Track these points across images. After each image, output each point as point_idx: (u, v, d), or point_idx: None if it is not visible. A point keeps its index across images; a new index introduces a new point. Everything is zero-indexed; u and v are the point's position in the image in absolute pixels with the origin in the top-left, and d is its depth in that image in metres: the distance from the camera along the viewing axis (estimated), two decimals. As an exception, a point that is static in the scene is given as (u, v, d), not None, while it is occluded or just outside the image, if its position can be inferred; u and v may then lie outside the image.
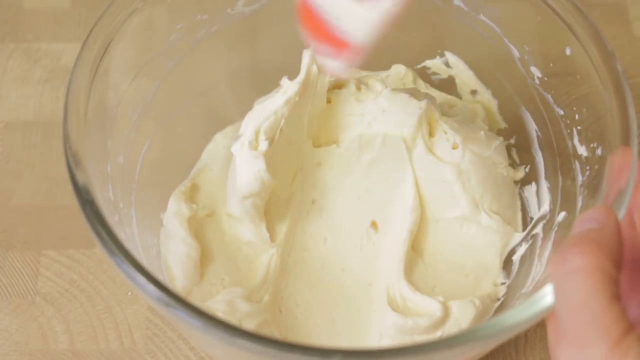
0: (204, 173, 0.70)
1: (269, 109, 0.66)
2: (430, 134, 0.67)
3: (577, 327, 0.43)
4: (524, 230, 0.68)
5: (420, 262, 0.66)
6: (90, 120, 0.56)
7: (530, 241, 0.66)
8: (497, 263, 0.67)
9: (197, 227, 0.66)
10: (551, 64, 0.64)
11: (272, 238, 0.66)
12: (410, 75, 0.73)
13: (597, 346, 0.42)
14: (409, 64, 0.73)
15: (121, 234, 0.52)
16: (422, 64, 0.73)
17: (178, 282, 0.63)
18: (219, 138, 0.72)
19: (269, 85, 0.73)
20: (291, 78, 0.73)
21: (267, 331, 0.60)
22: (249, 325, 0.60)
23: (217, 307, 0.61)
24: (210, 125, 0.72)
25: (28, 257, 0.71)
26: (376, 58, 0.73)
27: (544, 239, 0.64)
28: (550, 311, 0.49)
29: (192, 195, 0.68)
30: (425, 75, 0.73)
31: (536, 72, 0.65)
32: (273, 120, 0.65)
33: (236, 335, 0.47)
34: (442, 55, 0.72)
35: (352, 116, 0.68)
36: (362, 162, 0.68)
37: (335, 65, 0.57)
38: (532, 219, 0.67)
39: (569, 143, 0.62)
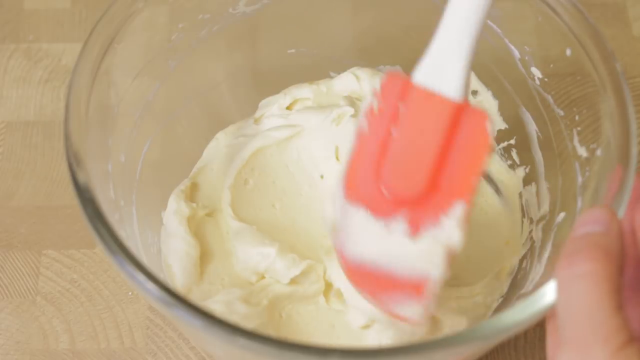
0: (204, 172, 0.70)
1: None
2: None
3: (580, 333, 0.43)
4: (523, 231, 0.68)
5: None
6: (91, 120, 0.56)
7: (530, 242, 0.66)
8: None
9: (197, 226, 0.66)
10: (551, 65, 0.64)
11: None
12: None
13: (597, 353, 0.42)
14: (409, 64, 0.72)
15: (122, 233, 0.52)
16: (423, 65, 0.73)
17: (178, 280, 0.63)
18: (221, 136, 0.72)
19: (270, 86, 0.73)
20: (291, 80, 0.73)
21: (264, 334, 0.61)
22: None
23: (215, 307, 0.61)
24: (211, 125, 0.72)
25: (29, 257, 0.71)
26: (377, 59, 0.73)
27: (544, 239, 0.64)
28: (550, 311, 0.49)
29: (192, 194, 0.69)
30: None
31: (536, 72, 0.65)
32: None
33: (236, 334, 0.47)
34: (442, 55, 0.72)
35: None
36: None
37: (413, 311, 0.55)
38: (531, 219, 0.67)
39: (569, 144, 0.62)
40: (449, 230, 0.54)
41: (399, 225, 0.55)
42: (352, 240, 0.56)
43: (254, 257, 0.64)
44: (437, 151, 0.54)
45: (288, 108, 0.72)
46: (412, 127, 0.54)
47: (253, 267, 0.64)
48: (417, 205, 0.55)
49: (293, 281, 0.64)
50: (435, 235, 0.54)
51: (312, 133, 0.69)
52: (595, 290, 0.43)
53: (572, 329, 0.44)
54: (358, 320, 0.63)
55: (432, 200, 0.54)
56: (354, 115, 0.68)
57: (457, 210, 0.54)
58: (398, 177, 0.54)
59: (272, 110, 0.72)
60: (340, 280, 0.63)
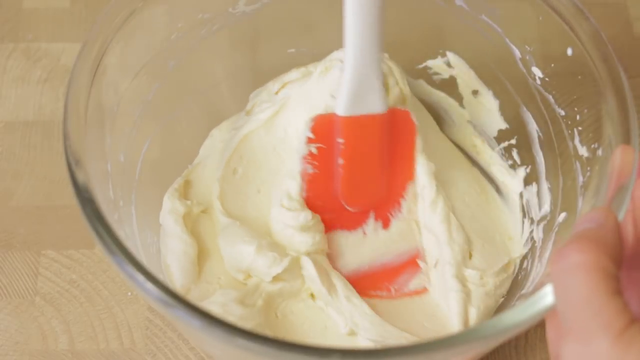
0: (197, 169, 0.70)
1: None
2: None
3: (580, 322, 0.44)
4: (524, 231, 0.68)
5: None
6: (91, 120, 0.56)
7: (531, 242, 0.66)
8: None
9: (194, 224, 0.66)
10: (552, 64, 0.64)
11: None
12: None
13: (600, 339, 0.43)
14: (410, 64, 0.73)
15: (121, 233, 0.52)
16: (424, 64, 0.73)
17: (177, 280, 0.63)
18: (215, 133, 0.72)
19: (269, 85, 0.73)
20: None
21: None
22: None
23: (211, 308, 0.60)
24: (210, 125, 0.72)
25: (28, 257, 0.71)
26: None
27: (544, 239, 0.64)
28: (551, 311, 0.49)
29: (185, 192, 0.68)
30: (426, 75, 0.73)
31: (537, 72, 0.65)
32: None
33: (236, 335, 0.47)
34: (443, 55, 0.72)
35: None
36: None
37: (421, 281, 0.65)
38: (532, 219, 0.67)
39: (570, 143, 0.62)
40: (410, 206, 0.65)
41: (373, 226, 0.65)
42: (340, 259, 0.65)
43: (236, 256, 0.64)
44: (383, 158, 0.63)
45: (277, 93, 0.71)
46: (356, 150, 0.63)
47: (236, 266, 0.64)
48: (381, 203, 0.65)
49: (277, 278, 0.63)
50: (402, 216, 0.65)
51: (298, 99, 0.68)
52: (589, 279, 0.44)
53: (571, 320, 0.44)
54: (341, 327, 0.63)
55: (391, 193, 0.65)
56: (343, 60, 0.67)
57: (410, 189, 0.65)
58: (359, 193, 0.64)
59: (262, 97, 0.72)
60: (315, 286, 0.63)
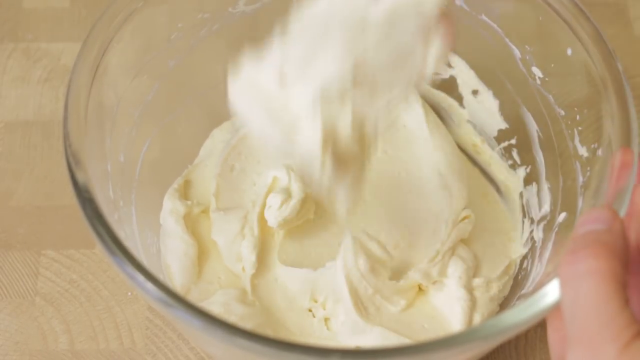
0: (197, 169, 0.70)
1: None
2: None
3: (588, 331, 0.43)
4: (524, 231, 0.68)
5: None
6: (91, 120, 0.56)
7: (531, 242, 0.66)
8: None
9: (194, 224, 0.66)
10: (552, 64, 0.64)
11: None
12: None
13: (608, 349, 0.42)
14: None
15: (121, 233, 0.52)
16: (423, 64, 0.73)
17: (177, 280, 0.63)
18: (216, 133, 0.72)
19: (269, 86, 0.73)
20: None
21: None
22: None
23: (212, 308, 0.61)
24: (211, 125, 0.72)
25: (28, 257, 0.71)
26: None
27: (544, 239, 0.64)
28: (551, 311, 0.49)
29: (185, 192, 0.68)
30: (426, 75, 0.73)
31: (537, 72, 0.65)
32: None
33: (236, 335, 0.47)
34: (443, 55, 0.72)
35: None
36: None
37: None
38: (532, 219, 0.67)
39: (570, 143, 0.62)
40: None
41: None
42: None
43: (227, 243, 0.65)
44: None
45: None
46: None
47: (229, 255, 0.64)
48: None
49: None
50: None
51: None
52: (602, 287, 0.43)
53: (580, 326, 0.44)
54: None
55: None
56: None
57: None
58: None
59: None
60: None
